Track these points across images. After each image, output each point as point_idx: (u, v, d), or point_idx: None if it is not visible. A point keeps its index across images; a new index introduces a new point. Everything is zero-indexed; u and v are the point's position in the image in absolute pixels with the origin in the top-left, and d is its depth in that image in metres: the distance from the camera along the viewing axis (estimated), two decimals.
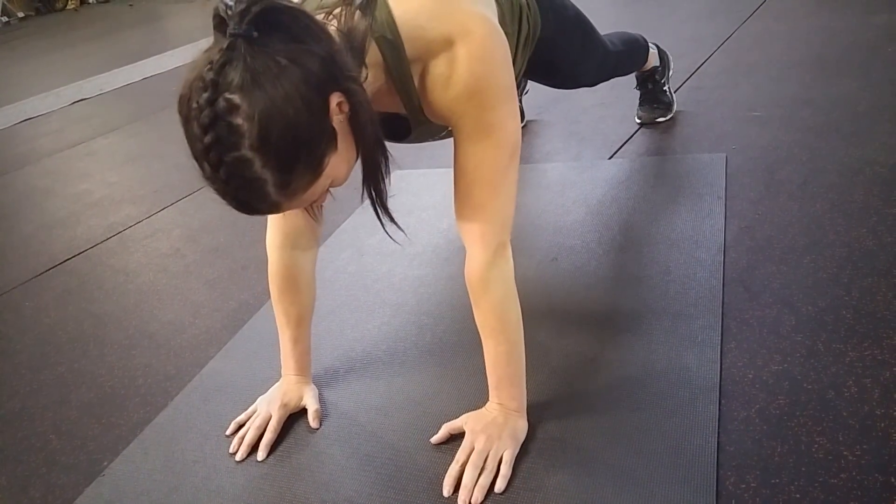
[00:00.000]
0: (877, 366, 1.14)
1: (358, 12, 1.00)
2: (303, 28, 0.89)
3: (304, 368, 1.37)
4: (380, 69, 1.04)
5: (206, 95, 0.83)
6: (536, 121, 2.50)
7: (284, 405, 1.31)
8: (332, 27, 0.98)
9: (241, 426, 1.31)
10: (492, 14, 1.14)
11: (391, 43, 1.02)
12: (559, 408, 1.20)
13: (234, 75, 0.83)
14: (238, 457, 1.25)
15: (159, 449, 1.32)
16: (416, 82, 1.07)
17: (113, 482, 1.26)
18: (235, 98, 0.83)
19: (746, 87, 2.37)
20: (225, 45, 0.84)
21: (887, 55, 2.36)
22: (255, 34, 0.85)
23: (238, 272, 1.92)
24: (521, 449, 1.13)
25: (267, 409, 1.30)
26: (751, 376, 1.18)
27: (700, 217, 1.65)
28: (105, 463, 1.32)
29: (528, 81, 2.50)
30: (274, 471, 1.20)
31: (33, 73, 6.42)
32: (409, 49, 1.03)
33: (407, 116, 1.14)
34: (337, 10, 1.00)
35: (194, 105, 0.85)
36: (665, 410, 1.14)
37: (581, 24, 1.71)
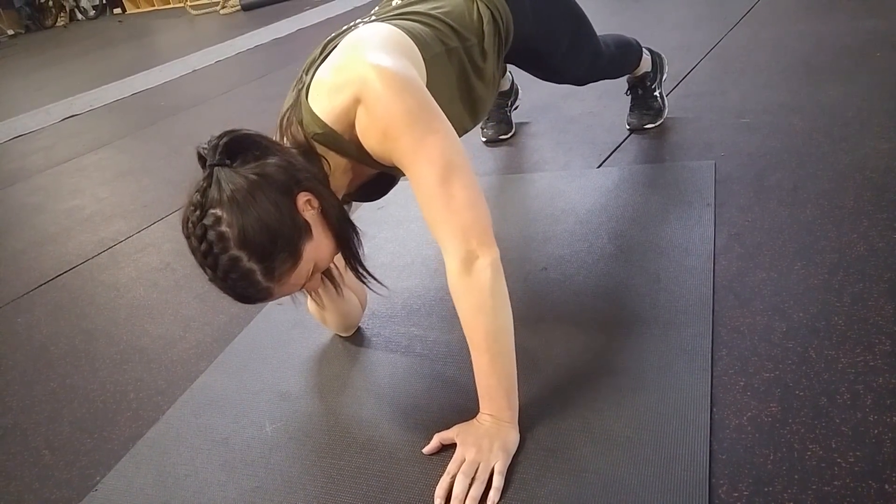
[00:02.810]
0: (869, 372, 1.14)
1: (294, 121, 1.21)
2: (262, 148, 1.11)
3: None
4: (332, 154, 1.22)
5: (196, 214, 1.06)
6: (524, 131, 2.50)
7: None
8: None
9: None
10: (391, 52, 1.21)
11: (323, 134, 1.19)
12: (550, 417, 1.20)
13: (215, 194, 1.05)
14: None
15: (151, 463, 1.31)
16: (357, 144, 1.20)
17: (105, 497, 1.26)
18: (218, 211, 1.05)
19: (735, 93, 2.38)
20: (206, 174, 1.07)
21: (875, 61, 2.37)
22: (227, 161, 1.07)
23: None
24: (512, 459, 1.12)
25: None
26: (742, 384, 1.18)
27: (689, 225, 1.66)
28: (97, 478, 1.32)
29: (519, 97, 2.51)
30: (265, 484, 1.20)
31: (23, 90, 6.42)
32: (337, 126, 1.18)
33: (381, 171, 1.30)
34: (284, 123, 1.23)
35: (189, 224, 1.07)
36: (656, 419, 1.14)
37: (573, 21, 1.75)
